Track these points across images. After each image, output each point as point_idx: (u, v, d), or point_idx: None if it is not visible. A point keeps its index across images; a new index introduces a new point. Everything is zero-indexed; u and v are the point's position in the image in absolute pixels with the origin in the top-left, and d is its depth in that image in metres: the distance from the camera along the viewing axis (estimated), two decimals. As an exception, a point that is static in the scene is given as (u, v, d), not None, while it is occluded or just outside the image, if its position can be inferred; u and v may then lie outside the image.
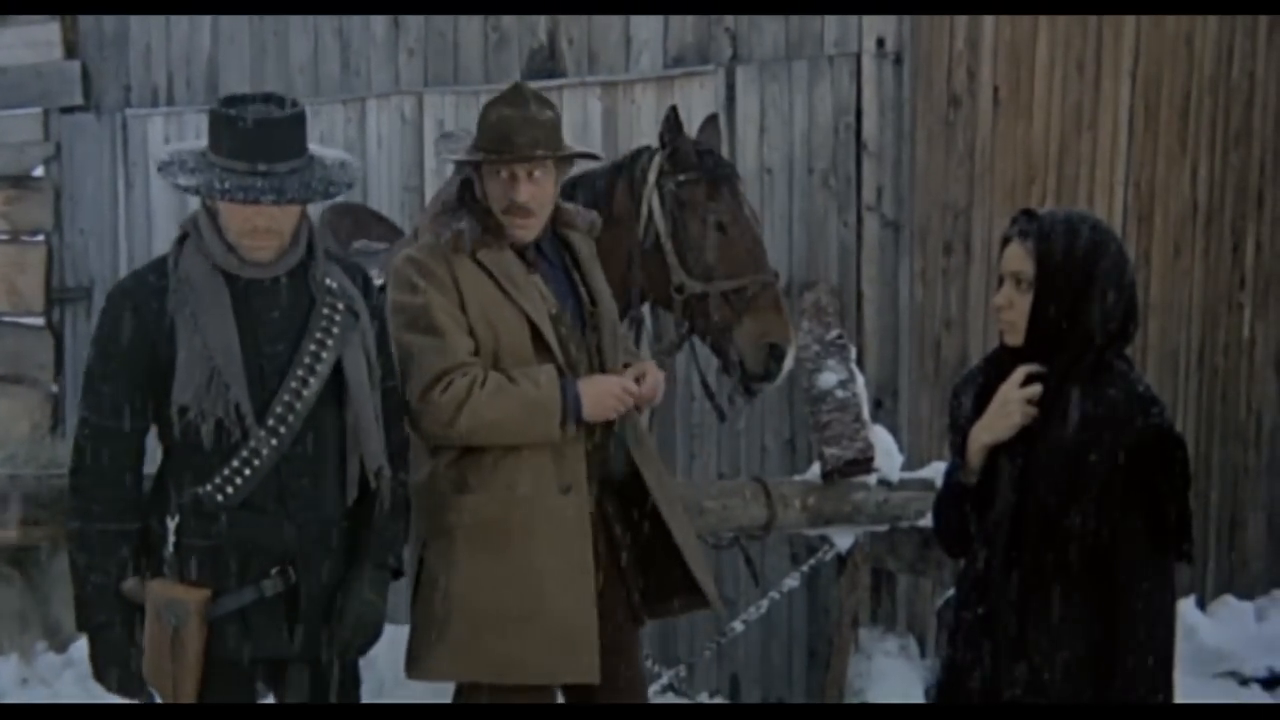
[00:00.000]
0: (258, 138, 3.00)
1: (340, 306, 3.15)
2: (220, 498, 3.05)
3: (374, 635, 3.24)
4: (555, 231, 3.55)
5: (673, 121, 4.37)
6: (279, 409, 3.06)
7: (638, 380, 3.45)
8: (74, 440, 3.11)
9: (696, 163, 4.34)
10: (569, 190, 4.44)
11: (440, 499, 3.42)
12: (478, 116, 3.47)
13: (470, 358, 3.35)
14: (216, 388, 3.02)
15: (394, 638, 3.40)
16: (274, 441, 3.06)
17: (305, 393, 3.08)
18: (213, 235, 3.08)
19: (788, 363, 4.32)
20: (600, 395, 3.36)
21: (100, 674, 3.15)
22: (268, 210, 3.02)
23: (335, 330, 3.12)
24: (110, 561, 3.06)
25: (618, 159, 4.60)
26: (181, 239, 3.13)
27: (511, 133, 3.35)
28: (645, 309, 4.57)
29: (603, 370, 3.48)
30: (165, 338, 3.03)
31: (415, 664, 3.42)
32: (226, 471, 3.05)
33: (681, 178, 4.33)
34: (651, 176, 4.35)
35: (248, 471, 3.05)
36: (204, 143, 3.10)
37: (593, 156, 3.89)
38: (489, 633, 3.31)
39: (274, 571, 3.10)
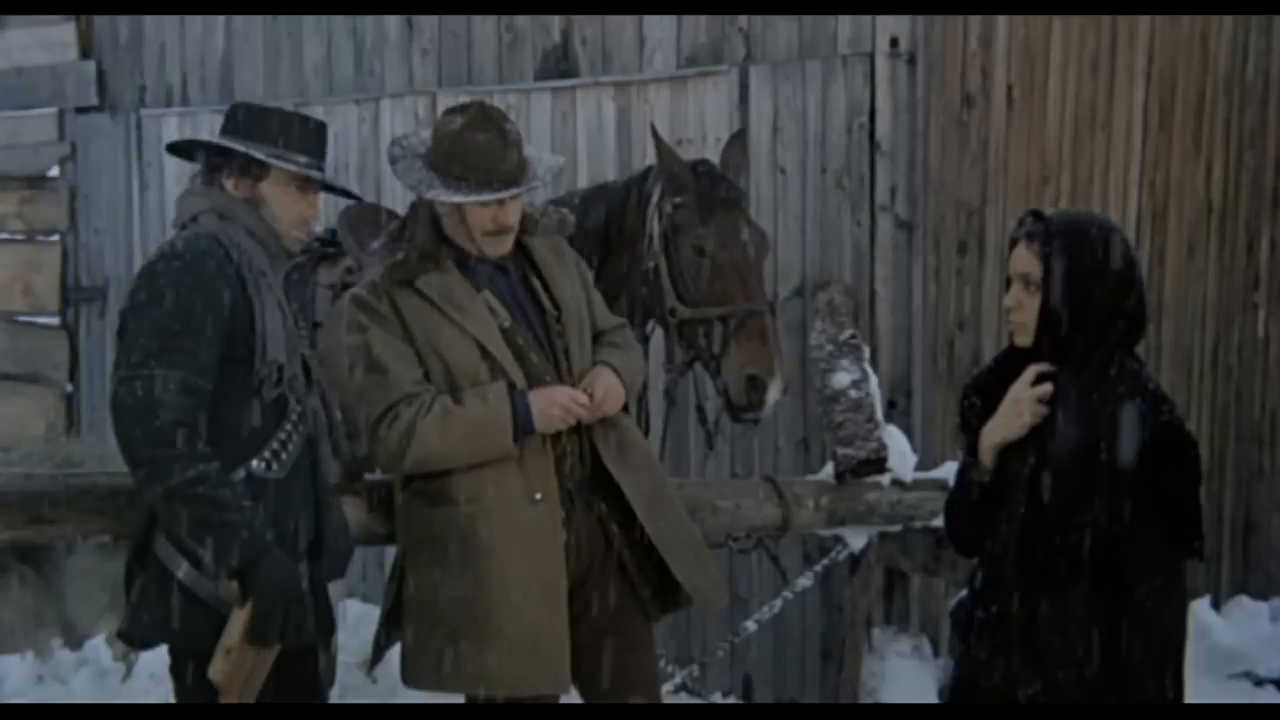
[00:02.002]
0: (317, 138, 3.25)
1: (292, 298, 3.39)
2: (275, 467, 3.08)
3: (353, 545, 3.44)
4: (516, 239, 3.51)
5: (656, 141, 4.32)
6: (313, 370, 3.23)
7: (590, 393, 3.41)
8: (151, 397, 2.91)
9: (693, 185, 4.27)
10: (586, 202, 4.46)
11: (413, 513, 3.45)
12: (442, 140, 3.37)
13: (416, 387, 3.34)
14: (294, 348, 3.13)
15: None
16: (311, 407, 3.18)
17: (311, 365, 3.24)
18: (258, 221, 3.17)
19: (771, 395, 4.23)
20: (546, 407, 3.33)
21: (287, 602, 2.99)
22: (317, 203, 3.25)
23: (300, 318, 3.32)
24: (245, 493, 2.99)
25: (636, 174, 4.59)
26: (219, 219, 3.16)
27: (499, 162, 3.32)
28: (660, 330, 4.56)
29: (568, 363, 3.46)
30: (244, 300, 3.06)
31: (404, 674, 3.47)
32: (275, 444, 3.09)
33: (678, 200, 4.27)
34: (655, 196, 4.32)
35: (296, 437, 3.13)
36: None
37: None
38: (461, 646, 3.32)
39: (302, 558, 3.14)
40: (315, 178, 3.21)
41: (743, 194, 4.45)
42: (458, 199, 3.32)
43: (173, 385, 2.93)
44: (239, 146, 3.16)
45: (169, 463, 2.92)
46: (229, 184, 3.18)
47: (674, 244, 4.27)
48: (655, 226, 4.30)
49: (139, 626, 3.08)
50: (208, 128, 6.55)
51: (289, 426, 3.12)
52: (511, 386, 3.34)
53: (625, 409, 3.59)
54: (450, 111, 3.43)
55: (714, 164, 4.42)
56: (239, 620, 2.98)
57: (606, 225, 4.40)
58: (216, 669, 2.99)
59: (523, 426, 3.32)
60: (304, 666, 3.25)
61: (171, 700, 3.19)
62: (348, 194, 3.50)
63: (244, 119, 3.21)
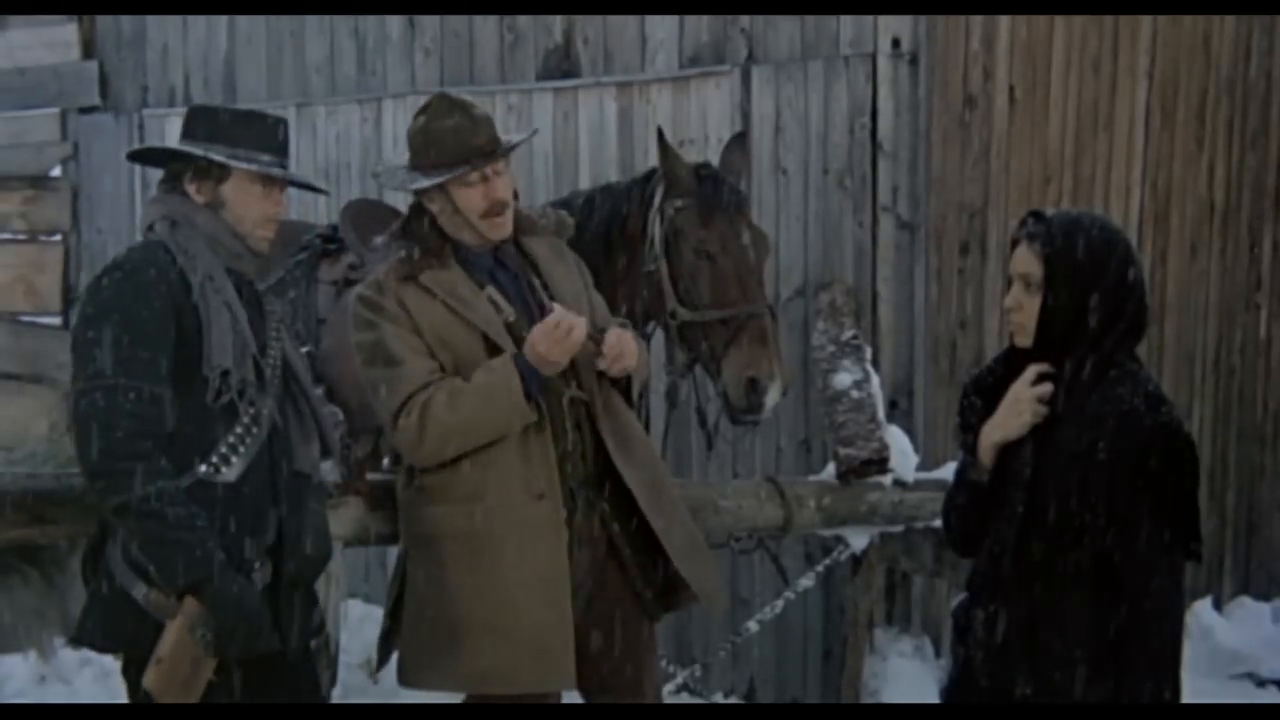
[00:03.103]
0: (278, 136, 3.21)
1: (271, 303, 3.34)
2: (224, 470, 3.03)
3: (329, 548, 3.33)
4: (514, 239, 3.53)
5: (660, 144, 4.33)
6: (267, 374, 3.16)
7: (598, 341, 3.39)
8: (113, 408, 2.92)
9: (694, 188, 4.29)
10: (590, 203, 4.46)
11: (415, 511, 3.46)
12: (414, 137, 3.43)
13: (431, 377, 3.34)
14: (243, 352, 3.07)
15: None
16: (265, 411, 3.10)
17: (277, 368, 3.19)
18: (215, 224, 3.15)
19: (770, 398, 4.23)
20: (538, 340, 3.27)
21: (237, 620, 2.96)
22: (282, 201, 3.22)
23: (275, 319, 3.28)
24: (199, 513, 2.96)
25: (639, 175, 4.58)
26: (171, 226, 3.15)
27: (471, 138, 3.36)
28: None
29: (574, 370, 3.45)
30: (190, 306, 3.04)
31: (403, 674, 3.47)
32: (224, 448, 3.03)
33: (679, 203, 4.28)
34: (656, 198, 4.33)
35: (249, 440, 3.07)
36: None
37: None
38: (465, 644, 3.32)
39: (262, 559, 3.11)
40: (277, 176, 3.19)
41: (744, 197, 4.46)
42: (439, 180, 3.35)
43: (133, 395, 2.93)
44: (197, 150, 3.14)
45: (128, 477, 2.91)
46: (191, 188, 3.16)
47: (675, 247, 4.28)
48: (656, 229, 4.31)
49: (86, 633, 3.09)
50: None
51: (240, 430, 3.06)
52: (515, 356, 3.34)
53: (629, 403, 3.60)
54: (417, 112, 3.48)
55: (716, 167, 4.43)
56: (171, 631, 2.96)
57: (609, 226, 4.41)
58: (149, 679, 2.97)
59: (532, 382, 3.30)
60: (303, 667, 3.25)
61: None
62: (312, 188, 3.49)
63: (202, 122, 3.19)
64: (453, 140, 3.35)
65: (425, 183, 3.37)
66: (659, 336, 4.60)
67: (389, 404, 3.35)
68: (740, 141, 4.59)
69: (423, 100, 6.12)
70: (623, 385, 3.55)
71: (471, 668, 3.33)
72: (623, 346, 3.42)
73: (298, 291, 4.62)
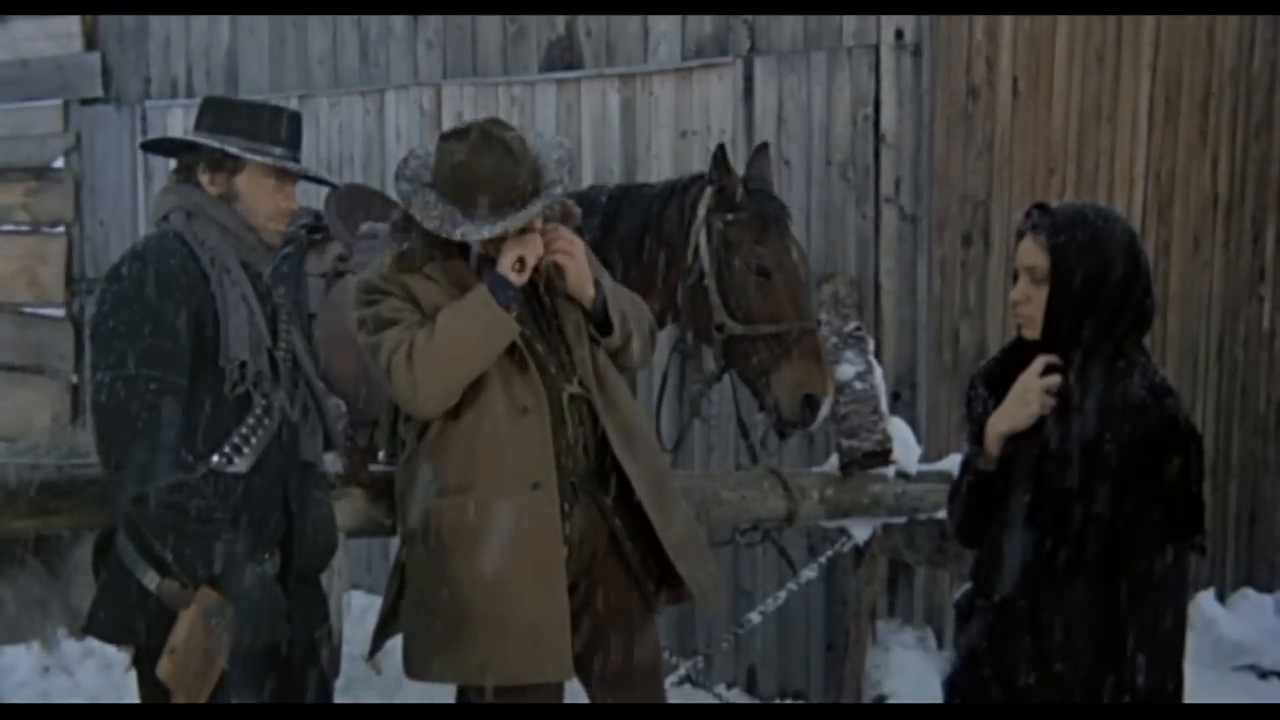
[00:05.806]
0: (291, 129, 3.21)
1: (278, 292, 3.33)
2: (236, 461, 3.03)
3: (335, 539, 3.34)
4: None
5: (720, 160, 4.31)
6: (279, 366, 3.17)
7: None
8: (133, 399, 2.92)
9: (746, 202, 4.30)
10: (616, 202, 4.45)
11: (411, 503, 3.45)
12: (450, 171, 3.33)
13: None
14: (259, 344, 3.08)
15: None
16: (277, 403, 3.11)
17: (288, 360, 3.21)
18: (230, 216, 3.14)
19: (823, 412, 4.29)
20: (507, 249, 3.29)
21: (258, 611, 2.99)
22: (294, 195, 3.22)
23: (285, 311, 3.29)
24: (218, 505, 2.97)
25: (674, 181, 4.57)
26: (187, 217, 3.15)
27: (513, 179, 3.29)
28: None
29: (570, 357, 3.44)
30: (207, 296, 3.04)
31: (408, 664, 3.47)
32: (237, 439, 3.04)
33: (730, 217, 4.29)
34: (701, 211, 4.33)
35: (261, 432, 3.07)
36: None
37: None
38: (464, 635, 3.31)
39: (271, 550, 3.12)
40: (291, 170, 3.19)
41: (789, 212, 4.47)
42: (485, 234, 3.29)
43: (154, 385, 2.93)
44: (212, 142, 3.13)
45: (149, 468, 2.90)
46: (205, 180, 3.16)
47: (726, 260, 4.29)
48: (703, 240, 4.31)
49: (96, 624, 3.08)
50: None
51: (252, 421, 3.07)
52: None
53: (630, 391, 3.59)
54: (448, 137, 3.38)
55: (759, 175, 4.43)
56: (185, 621, 2.95)
57: (643, 231, 4.40)
58: (163, 669, 2.97)
59: (501, 291, 3.28)
60: (307, 659, 3.26)
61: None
62: (325, 182, 3.51)
63: (217, 113, 3.19)
64: (496, 184, 3.28)
65: (475, 236, 3.30)
66: (664, 334, 4.58)
67: (387, 353, 3.32)
68: (764, 151, 4.57)
69: (425, 92, 6.22)
70: (616, 355, 3.52)
71: (470, 658, 3.32)
72: (560, 241, 3.37)
73: (287, 287, 4.61)
